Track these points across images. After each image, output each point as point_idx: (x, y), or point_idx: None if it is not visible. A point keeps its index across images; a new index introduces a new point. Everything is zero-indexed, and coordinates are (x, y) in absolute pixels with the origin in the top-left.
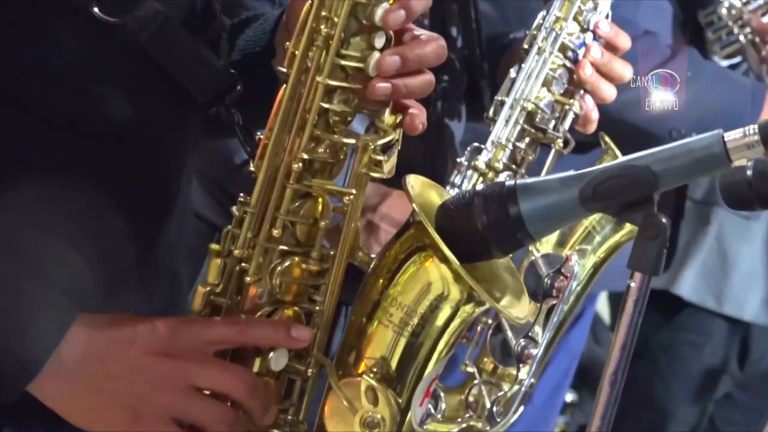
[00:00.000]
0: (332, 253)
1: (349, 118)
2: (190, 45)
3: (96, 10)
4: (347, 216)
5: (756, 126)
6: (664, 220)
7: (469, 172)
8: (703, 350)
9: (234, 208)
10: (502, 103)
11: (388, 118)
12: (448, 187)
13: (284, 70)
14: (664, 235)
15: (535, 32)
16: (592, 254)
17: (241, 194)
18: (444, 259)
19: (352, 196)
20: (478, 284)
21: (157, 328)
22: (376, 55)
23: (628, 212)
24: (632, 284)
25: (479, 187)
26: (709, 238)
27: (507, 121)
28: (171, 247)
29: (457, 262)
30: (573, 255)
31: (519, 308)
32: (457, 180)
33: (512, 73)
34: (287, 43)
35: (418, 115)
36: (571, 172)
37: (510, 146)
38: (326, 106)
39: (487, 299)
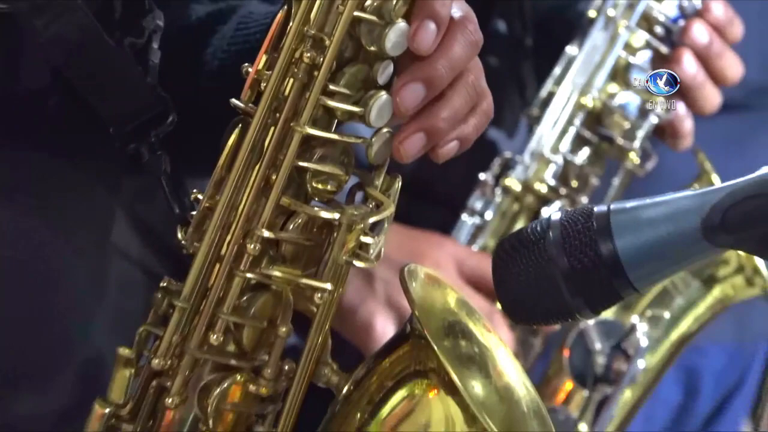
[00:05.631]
0: (290, 366)
1: (342, 183)
2: (105, 49)
3: None
4: (317, 319)
5: None
6: None
7: (498, 194)
8: None
9: (157, 295)
10: (551, 96)
11: (380, 181)
12: (465, 215)
13: (241, 105)
14: None
15: None
16: (671, 324)
17: (166, 278)
18: (452, 389)
19: (326, 294)
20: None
21: None
22: (383, 97)
23: None
24: None
25: (554, 215)
26: None
27: (556, 123)
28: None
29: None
30: (641, 323)
31: None
32: (478, 205)
33: (569, 51)
34: (244, 65)
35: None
36: (685, 192)
37: (559, 159)
38: (305, 165)
39: None
